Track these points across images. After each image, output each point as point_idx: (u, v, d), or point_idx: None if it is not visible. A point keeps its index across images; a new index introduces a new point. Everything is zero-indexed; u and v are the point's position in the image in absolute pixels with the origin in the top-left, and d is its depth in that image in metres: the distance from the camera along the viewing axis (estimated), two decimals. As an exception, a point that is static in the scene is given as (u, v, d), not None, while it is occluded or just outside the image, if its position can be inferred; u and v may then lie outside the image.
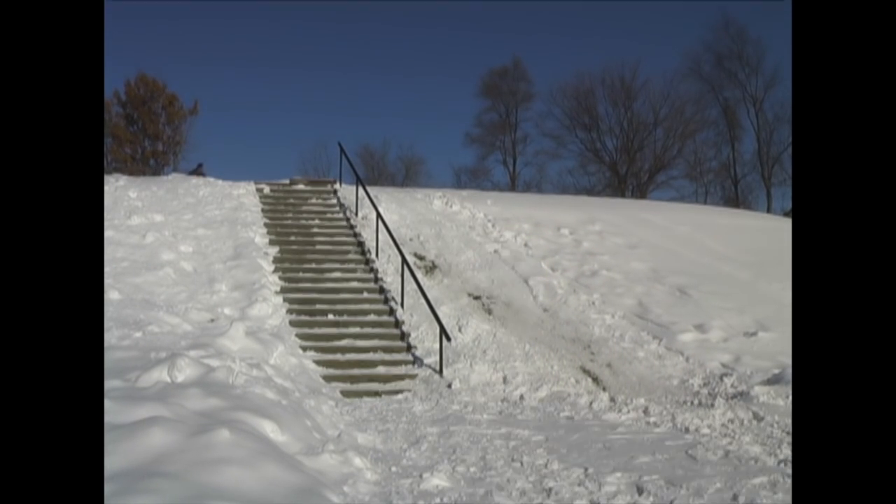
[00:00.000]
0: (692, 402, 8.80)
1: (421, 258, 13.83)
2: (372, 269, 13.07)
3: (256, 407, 6.10)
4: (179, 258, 12.61)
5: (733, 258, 15.86)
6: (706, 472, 5.88)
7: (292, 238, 14.26)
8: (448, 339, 10.15)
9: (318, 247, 13.98)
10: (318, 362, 10.15)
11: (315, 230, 14.73)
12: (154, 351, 7.62)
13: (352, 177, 16.91)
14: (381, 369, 10.16)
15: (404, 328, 11.22)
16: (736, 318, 12.27)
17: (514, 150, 45.40)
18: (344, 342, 10.85)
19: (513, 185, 43.48)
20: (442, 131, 70.21)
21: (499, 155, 45.73)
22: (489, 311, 12.08)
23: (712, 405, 8.35)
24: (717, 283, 14.04)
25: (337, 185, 17.67)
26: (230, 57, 69.01)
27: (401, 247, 12.60)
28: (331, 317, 11.47)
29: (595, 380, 10.09)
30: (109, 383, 6.03)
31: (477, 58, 68.60)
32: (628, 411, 8.33)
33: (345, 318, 11.48)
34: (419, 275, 12.29)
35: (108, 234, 12.69)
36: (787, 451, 6.44)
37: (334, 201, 16.43)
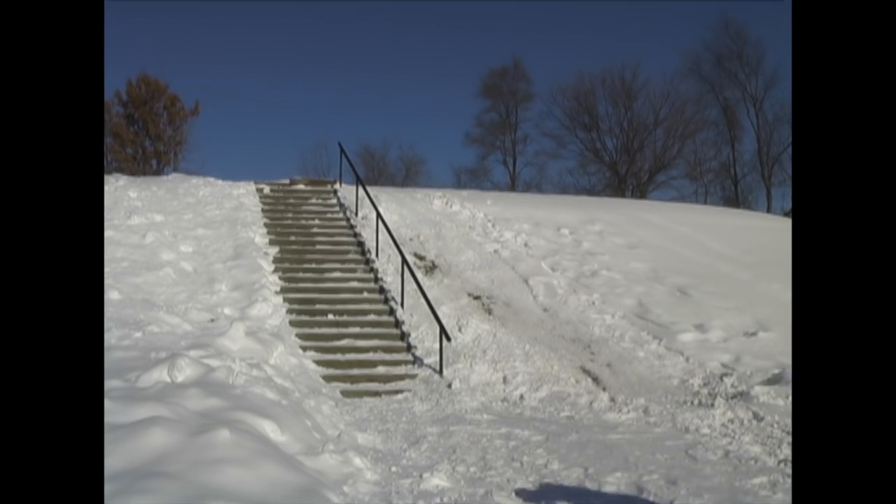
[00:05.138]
0: (692, 402, 8.81)
1: (421, 258, 13.83)
2: (372, 269, 13.08)
3: (256, 407, 6.10)
4: (179, 258, 12.61)
5: (733, 258, 15.86)
6: (706, 472, 5.88)
7: (292, 238, 14.26)
8: (448, 339, 10.16)
9: (318, 247, 13.99)
10: (318, 362, 10.15)
11: (315, 230, 14.73)
12: (154, 351, 7.62)
13: (352, 177, 16.92)
14: (381, 369, 10.16)
15: (404, 328, 11.22)
16: (736, 318, 12.26)
17: (514, 150, 45.43)
18: (344, 342, 10.85)
19: (513, 185, 43.47)
20: (442, 131, 70.24)
21: (499, 155, 45.76)
22: (489, 311, 12.08)
23: (712, 405, 8.35)
24: (717, 283, 14.04)
25: (337, 185, 17.67)
26: (231, 57, 68.99)
27: (401, 247, 12.60)
28: (331, 317, 11.47)
29: (595, 380, 10.09)
30: (109, 383, 6.03)
31: (477, 58, 68.62)
32: (628, 411, 8.34)
33: (345, 318, 11.48)
34: (419, 275, 12.29)
35: (108, 234, 12.69)
36: (787, 451, 6.44)
37: (334, 201, 16.44)
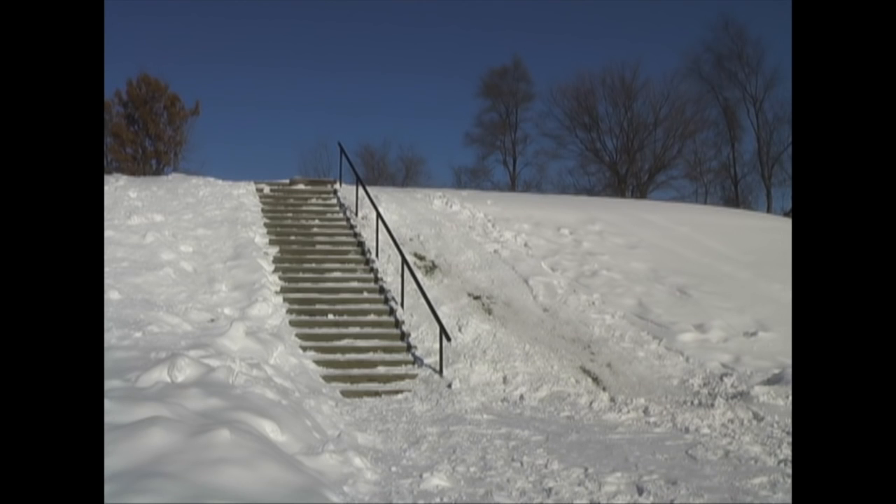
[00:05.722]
0: (692, 402, 8.81)
1: (421, 258, 13.83)
2: (372, 269, 13.08)
3: (256, 407, 6.10)
4: (179, 258, 12.61)
5: (733, 258, 15.86)
6: (706, 472, 5.88)
7: (292, 238, 14.26)
8: (448, 339, 10.16)
9: (318, 247, 13.99)
10: (318, 362, 10.15)
11: (315, 230, 14.73)
12: (154, 351, 7.62)
13: (352, 177, 16.92)
14: (381, 369, 10.16)
15: (404, 328, 11.22)
16: (736, 318, 12.26)
17: (514, 150, 45.43)
18: (344, 342, 10.85)
19: (513, 185, 43.47)
20: (442, 131, 70.17)
21: (499, 155, 45.76)
22: (489, 311, 12.08)
23: (712, 405, 8.35)
24: (717, 283, 14.04)
25: (337, 185, 17.67)
26: (231, 57, 69.02)
27: (401, 247, 12.60)
28: (331, 317, 11.47)
29: (595, 380, 10.09)
30: (109, 383, 6.04)
31: (477, 58, 68.59)
32: (628, 411, 8.34)
33: (345, 318, 11.48)
34: (419, 275, 12.29)
35: (108, 234, 12.69)
36: (787, 451, 6.44)
37: (334, 201, 16.44)
